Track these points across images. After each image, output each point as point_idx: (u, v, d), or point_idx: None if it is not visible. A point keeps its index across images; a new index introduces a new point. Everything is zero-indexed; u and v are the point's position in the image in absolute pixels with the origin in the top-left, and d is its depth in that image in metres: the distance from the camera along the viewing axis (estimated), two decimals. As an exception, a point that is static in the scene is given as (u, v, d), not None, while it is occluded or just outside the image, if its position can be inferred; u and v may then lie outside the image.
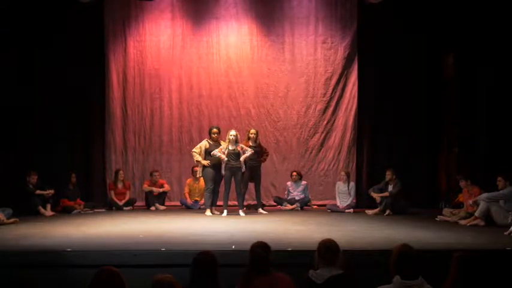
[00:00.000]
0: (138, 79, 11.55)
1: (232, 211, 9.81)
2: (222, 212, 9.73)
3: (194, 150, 10.06)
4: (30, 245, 6.52)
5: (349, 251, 5.59)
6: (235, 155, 9.65)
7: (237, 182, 9.77)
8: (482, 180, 9.34)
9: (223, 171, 9.71)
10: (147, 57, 11.56)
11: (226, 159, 9.59)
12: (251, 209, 10.40)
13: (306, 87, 11.64)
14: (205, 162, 9.84)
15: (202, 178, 10.31)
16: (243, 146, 9.82)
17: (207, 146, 9.94)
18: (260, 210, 10.12)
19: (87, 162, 11.43)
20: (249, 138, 10.23)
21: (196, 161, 10.02)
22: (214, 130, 10.09)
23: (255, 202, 10.56)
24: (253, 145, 10.16)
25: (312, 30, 11.63)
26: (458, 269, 3.68)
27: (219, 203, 10.12)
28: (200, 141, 10.50)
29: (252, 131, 10.32)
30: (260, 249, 4.15)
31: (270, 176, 11.32)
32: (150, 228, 8.03)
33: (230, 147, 9.64)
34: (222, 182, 9.94)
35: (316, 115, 11.65)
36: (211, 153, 9.72)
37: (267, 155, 10.64)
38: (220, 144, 9.87)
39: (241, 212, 9.70)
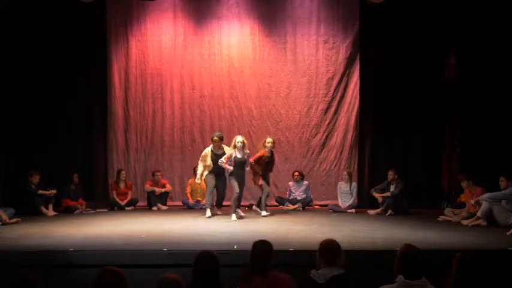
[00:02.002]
0: (140, 79, 11.55)
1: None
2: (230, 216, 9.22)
3: (200, 163, 9.69)
4: (32, 244, 6.53)
5: (351, 251, 5.59)
6: (241, 164, 9.27)
7: (242, 187, 9.39)
8: (484, 180, 9.34)
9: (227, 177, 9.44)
10: (149, 57, 11.56)
11: (231, 169, 9.19)
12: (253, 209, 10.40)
13: (308, 87, 11.64)
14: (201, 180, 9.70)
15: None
16: (248, 152, 9.49)
17: (210, 154, 9.59)
18: (263, 212, 9.74)
19: (89, 162, 11.44)
20: (264, 147, 9.91)
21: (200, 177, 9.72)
22: (215, 138, 9.63)
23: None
24: (269, 155, 9.90)
25: (313, 30, 11.63)
26: (459, 269, 3.68)
27: (226, 202, 10.08)
28: (202, 141, 10.55)
29: (269, 140, 9.97)
30: (263, 246, 4.16)
31: (271, 176, 11.31)
32: (152, 228, 8.04)
33: (238, 156, 9.21)
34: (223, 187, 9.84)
35: (318, 115, 11.64)
36: (218, 162, 9.27)
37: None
38: (223, 150, 9.59)
39: (234, 216, 9.16)
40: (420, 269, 3.64)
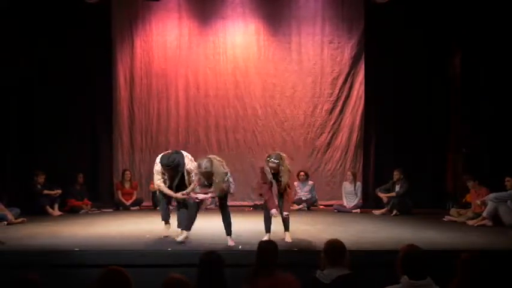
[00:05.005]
0: (145, 79, 11.56)
1: (237, 211, 9.73)
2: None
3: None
4: (38, 244, 6.56)
5: (356, 251, 5.59)
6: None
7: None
8: (489, 180, 9.31)
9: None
10: (154, 57, 11.57)
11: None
12: (258, 210, 10.38)
13: (313, 87, 11.62)
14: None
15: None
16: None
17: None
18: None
19: (95, 162, 11.46)
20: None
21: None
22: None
23: (261, 202, 10.51)
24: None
25: (318, 30, 11.61)
26: (465, 269, 3.66)
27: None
28: (207, 141, 10.49)
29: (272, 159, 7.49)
30: (268, 246, 4.16)
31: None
32: (157, 228, 8.04)
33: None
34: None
35: (323, 115, 11.62)
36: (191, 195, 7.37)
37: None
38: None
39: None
40: (423, 269, 3.62)
